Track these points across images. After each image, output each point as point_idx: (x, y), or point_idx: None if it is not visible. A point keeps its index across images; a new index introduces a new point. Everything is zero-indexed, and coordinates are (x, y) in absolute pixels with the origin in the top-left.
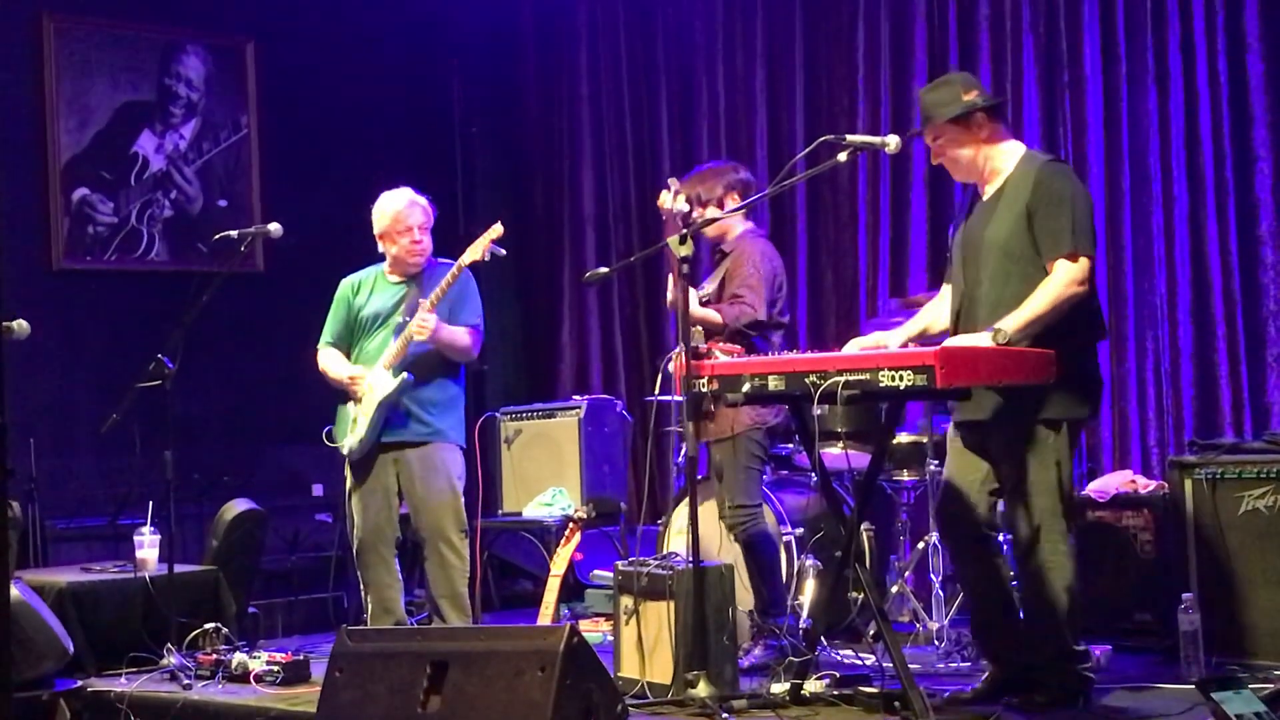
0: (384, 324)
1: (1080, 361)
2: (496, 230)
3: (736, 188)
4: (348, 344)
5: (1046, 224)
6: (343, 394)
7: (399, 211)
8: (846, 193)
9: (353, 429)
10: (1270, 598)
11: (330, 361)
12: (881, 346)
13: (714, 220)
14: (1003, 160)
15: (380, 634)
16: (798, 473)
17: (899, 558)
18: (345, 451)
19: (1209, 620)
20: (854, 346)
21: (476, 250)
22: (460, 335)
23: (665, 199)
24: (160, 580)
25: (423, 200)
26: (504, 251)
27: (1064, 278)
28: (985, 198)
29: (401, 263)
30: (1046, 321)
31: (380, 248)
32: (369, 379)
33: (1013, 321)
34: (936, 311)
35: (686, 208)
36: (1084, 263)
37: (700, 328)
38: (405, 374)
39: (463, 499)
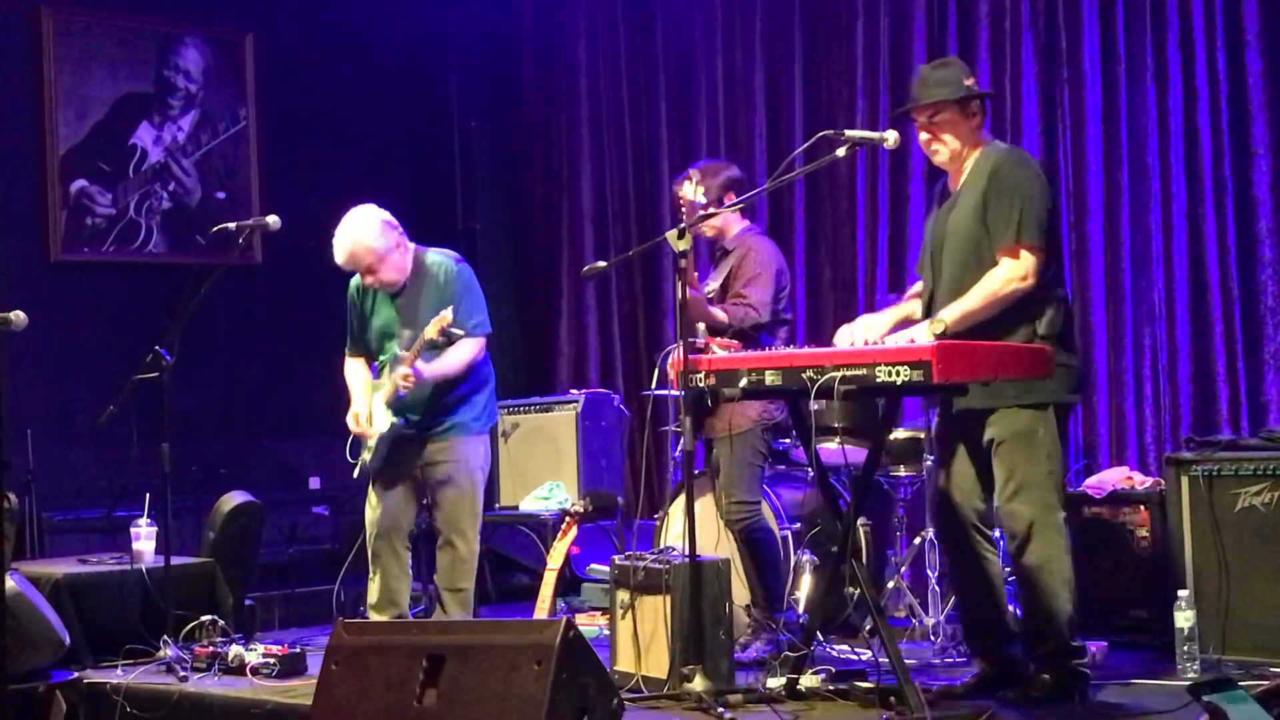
0: (392, 343)
1: (1057, 350)
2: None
3: (733, 186)
4: (366, 349)
5: (997, 213)
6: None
7: (343, 263)
8: (845, 188)
9: (367, 451)
10: (1266, 594)
11: (352, 381)
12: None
13: (711, 215)
14: (976, 152)
15: (376, 627)
16: (794, 468)
17: (895, 553)
18: (355, 473)
19: (1204, 617)
20: (844, 333)
21: (430, 330)
22: (451, 363)
23: (687, 189)
24: (157, 572)
25: (365, 236)
26: (461, 332)
27: (1005, 274)
28: (954, 189)
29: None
30: (985, 314)
31: None
32: (370, 412)
33: (952, 312)
34: (916, 303)
35: (705, 199)
36: (1028, 258)
37: (703, 324)
38: (398, 419)
39: (482, 490)
